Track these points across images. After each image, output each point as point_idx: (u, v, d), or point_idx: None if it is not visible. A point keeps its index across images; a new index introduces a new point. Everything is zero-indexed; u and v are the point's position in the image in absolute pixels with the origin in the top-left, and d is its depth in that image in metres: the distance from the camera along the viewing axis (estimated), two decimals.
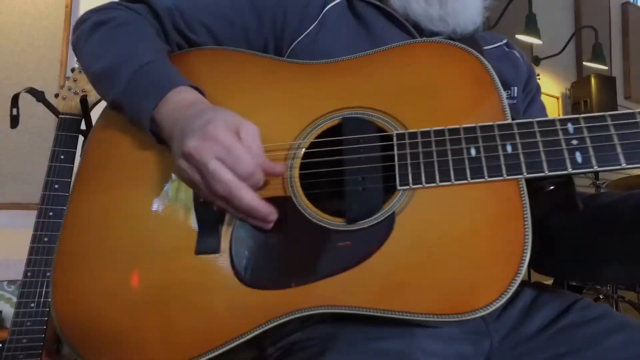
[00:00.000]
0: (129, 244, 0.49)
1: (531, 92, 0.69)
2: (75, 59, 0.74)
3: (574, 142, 0.39)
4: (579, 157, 0.39)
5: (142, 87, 0.49)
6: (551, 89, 3.58)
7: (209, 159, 0.41)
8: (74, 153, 0.88)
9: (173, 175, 0.51)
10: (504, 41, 0.70)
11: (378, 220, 0.43)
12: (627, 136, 0.38)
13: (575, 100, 3.59)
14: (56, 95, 0.92)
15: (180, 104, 0.48)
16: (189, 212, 0.48)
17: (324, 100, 0.49)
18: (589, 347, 0.49)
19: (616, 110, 3.27)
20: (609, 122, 0.39)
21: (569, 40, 3.42)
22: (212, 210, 0.46)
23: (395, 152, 0.44)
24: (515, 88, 0.63)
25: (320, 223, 0.45)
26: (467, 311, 0.35)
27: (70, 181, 0.85)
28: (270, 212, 0.44)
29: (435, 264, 0.39)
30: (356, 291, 0.41)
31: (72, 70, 0.96)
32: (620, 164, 0.38)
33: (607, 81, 3.45)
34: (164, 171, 0.52)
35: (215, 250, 0.46)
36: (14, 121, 0.90)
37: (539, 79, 2.74)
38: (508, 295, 0.36)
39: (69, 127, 0.89)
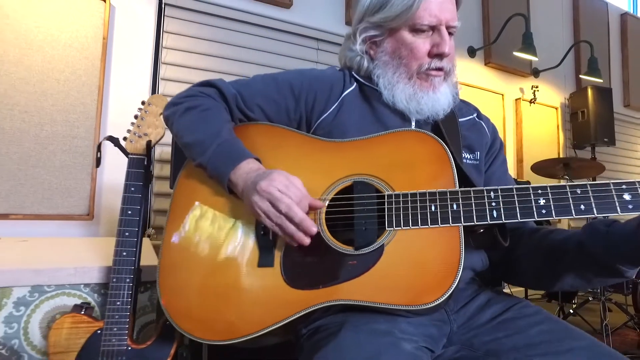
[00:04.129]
0: (213, 258, 0.79)
1: (494, 151, 0.98)
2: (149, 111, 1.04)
3: (493, 203, 0.68)
4: (495, 213, 0.68)
5: (222, 158, 0.79)
6: (550, 99, 3.82)
7: (275, 190, 0.71)
8: (141, 185, 1.17)
9: (240, 213, 0.81)
10: (475, 114, 0.99)
11: (374, 249, 0.72)
12: (510, 202, 0.67)
13: (573, 110, 3.85)
14: (124, 139, 1.20)
15: (248, 171, 0.77)
16: (253, 240, 0.78)
17: (340, 168, 0.79)
18: (519, 332, 0.75)
19: (612, 119, 3.51)
20: (514, 193, 0.68)
21: (567, 53, 3.66)
22: (268, 238, 0.76)
23: (386, 206, 0.74)
24: (479, 152, 0.92)
25: (337, 249, 0.74)
26: (421, 303, 0.65)
27: (139, 208, 1.14)
28: (312, 225, 0.72)
29: (406, 275, 0.69)
30: (359, 291, 0.70)
31: (135, 117, 1.25)
32: (517, 218, 0.67)
33: (603, 92, 3.69)
34: (233, 210, 0.82)
35: (271, 264, 0.76)
36: (98, 162, 1.19)
37: (537, 90, 3.00)
38: (447, 296, 0.65)
39: (136, 165, 1.17)
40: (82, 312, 1.04)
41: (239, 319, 0.72)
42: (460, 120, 0.93)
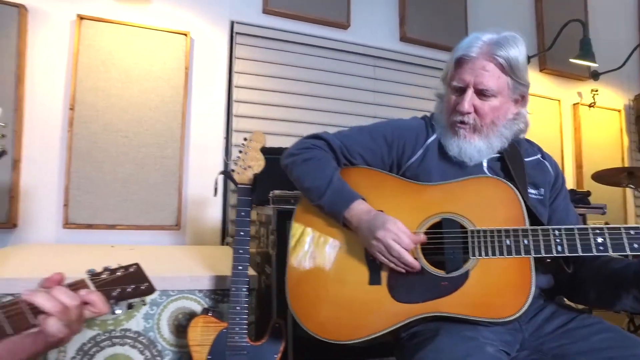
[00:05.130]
0: (331, 275, 1.06)
1: (558, 187, 1.18)
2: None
3: (557, 240, 0.90)
4: (559, 247, 0.90)
5: (336, 201, 1.05)
6: (612, 102, 3.81)
7: (390, 240, 0.96)
8: (249, 210, 1.45)
9: (352, 241, 1.07)
10: (539, 155, 1.20)
11: (460, 273, 0.96)
12: (571, 239, 0.89)
13: (638, 113, 3.83)
14: (232, 171, 1.50)
15: (360, 211, 1.04)
16: (363, 262, 1.04)
17: (430, 207, 1.04)
18: (583, 340, 0.94)
19: None
20: (575, 232, 0.90)
21: (630, 54, 3.64)
22: (376, 263, 1.02)
23: (469, 239, 0.97)
24: (543, 189, 1.13)
25: (432, 272, 0.99)
26: (501, 317, 0.88)
27: (248, 229, 1.43)
28: (418, 265, 0.98)
29: (488, 294, 0.92)
30: (451, 306, 0.94)
31: (240, 151, 1.54)
32: (578, 252, 0.88)
33: None
34: (345, 238, 1.08)
35: (379, 282, 1.02)
36: (215, 191, 1.50)
37: (597, 94, 3.06)
38: (521, 312, 0.88)
39: (244, 193, 1.47)
40: (210, 314, 1.35)
41: (355, 325, 0.98)
42: (525, 159, 1.14)
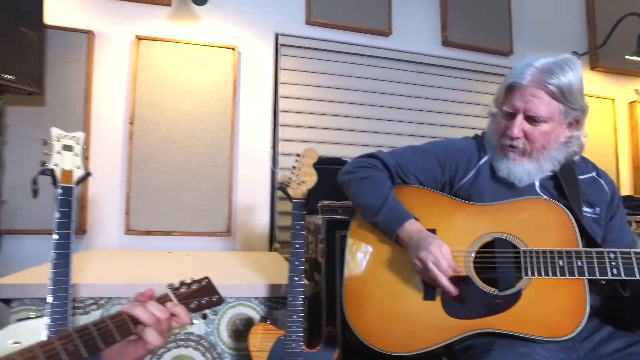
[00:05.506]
0: (386, 289, 1.13)
1: (615, 207, 1.19)
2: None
3: (613, 263, 0.93)
4: (614, 270, 0.93)
5: (391, 219, 1.12)
6: None
7: (429, 263, 1.02)
8: (304, 224, 1.55)
9: (405, 258, 1.13)
10: (594, 172, 1.21)
11: (514, 292, 1.01)
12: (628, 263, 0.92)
13: None
14: (287, 185, 1.60)
15: (412, 230, 1.10)
16: (417, 278, 1.11)
17: (483, 226, 1.09)
18: None
19: None
20: (632, 256, 0.92)
21: None
22: None
23: (522, 259, 1.02)
24: (599, 208, 1.15)
25: (485, 290, 1.04)
26: (557, 336, 0.92)
27: (303, 242, 1.53)
28: (454, 290, 1.03)
29: (542, 314, 0.96)
30: (505, 323, 0.99)
31: (293, 167, 1.64)
32: (635, 276, 0.91)
33: None
34: (399, 254, 1.15)
35: (433, 298, 1.08)
36: (273, 203, 1.61)
37: None
38: (577, 331, 0.92)
39: (299, 207, 1.56)
40: (268, 322, 1.46)
41: (411, 338, 1.06)
42: (580, 177, 1.17)
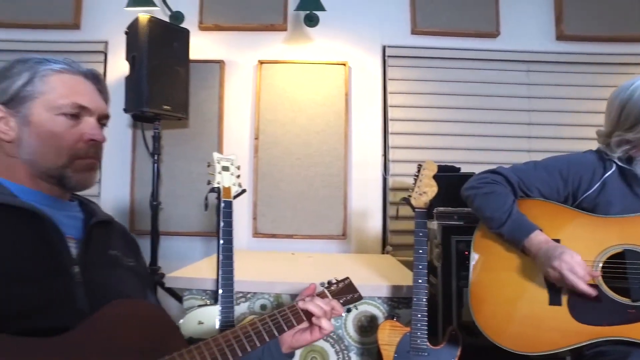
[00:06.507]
0: (512, 294, 1.25)
1: None
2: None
3: None
4: None
5: (516, 229, 1.24)
6: None
7: (565, 270, 1.12)
8: (426, 231, 1.71)
9: (530, 265, 1.24)
10: None
11: None
12: None
13: None
14: (409, 196, 1.77)
15: (539, 241, 1.21)
16: (542, 284, 1.22)
17: (610, 238, 1.16)
18: None
19: None
20: None
21: None
22: (556, 286, 1.18)
23: None
24: None
25: (616, 299, 1.12)
26: None
27: (426, 247, 1.69)
28: (593, 292, 1.12)
29: None
30: (636, 333, 1.06)
31: (415, 178, 1.81)
32: None
33: None
34: (524, 262, 1.26)
35: (559, 303, 1.18)
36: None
37: None
38: None
39: (421, 216, 1.73)
40: (395, 319, 1.66)
41: (538, 339, 1.17)
42: None
